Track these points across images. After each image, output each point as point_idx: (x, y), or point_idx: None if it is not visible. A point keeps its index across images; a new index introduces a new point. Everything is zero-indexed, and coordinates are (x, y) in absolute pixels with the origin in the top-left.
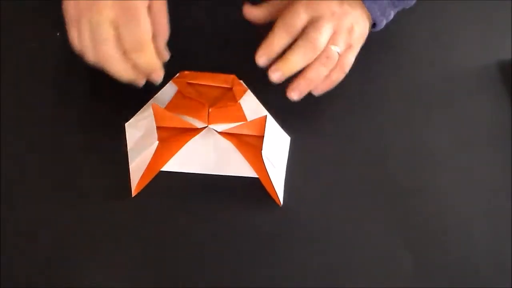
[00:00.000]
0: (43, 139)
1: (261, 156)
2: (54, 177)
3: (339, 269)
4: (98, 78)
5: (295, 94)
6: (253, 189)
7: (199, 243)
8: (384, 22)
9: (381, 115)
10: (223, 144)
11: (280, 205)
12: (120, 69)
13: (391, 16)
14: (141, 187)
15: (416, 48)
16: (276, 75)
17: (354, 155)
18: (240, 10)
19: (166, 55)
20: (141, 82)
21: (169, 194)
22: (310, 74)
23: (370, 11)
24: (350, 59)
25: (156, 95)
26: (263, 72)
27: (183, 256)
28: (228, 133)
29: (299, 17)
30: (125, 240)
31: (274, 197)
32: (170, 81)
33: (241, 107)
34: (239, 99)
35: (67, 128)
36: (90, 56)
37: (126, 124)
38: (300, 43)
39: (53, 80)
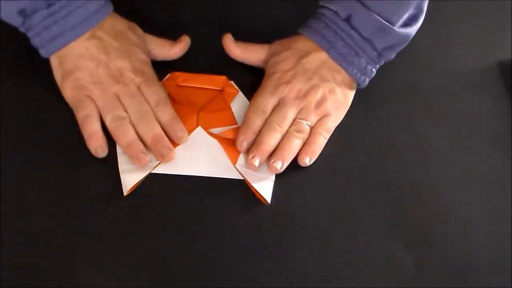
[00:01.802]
0: (43, 139)
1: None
2: (53, 177)
3: (339, 269)
4: None
5: (277, 164)
6: (245, 190)
7: (194, 243)
8: (367, 81)
9: (381, 115)
10: (213, 146)
11: (268, 204)
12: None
13: (374, 73)
14: (132, 189)
15: (416, 48)
16: (255, 161)
17: (353, 155)
18: (232, 11)
19: (182, 43)
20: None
21: (163, 195)
22: (286, 145)
23: (348, 73)
24: (327, 126)
25: None
26: (254, 72)
27: (178, 256)
28: (217, 135)
29: (268, 102)
30: (121, 240)
31: (261, 199)
32: (160, 83)
33: (231, 111)
34: (230, 102)
35: (66, 128)
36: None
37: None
38: (265, 128)
39: (53, 80)
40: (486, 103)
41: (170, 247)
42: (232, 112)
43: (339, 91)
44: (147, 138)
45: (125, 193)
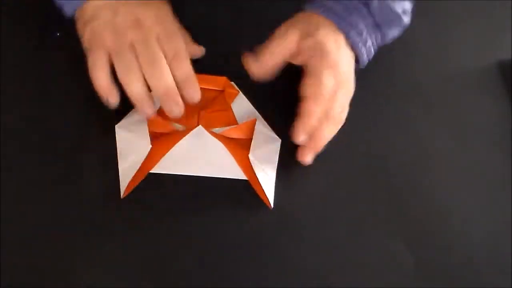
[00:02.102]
0: (42, 139)
1: (249, 159)
2: (52, 177)
3: (339, 269)
4: None
5: (309, 158)
6: (245, 190)
7: (194, 244)
8: (367, 61)
9: (380, 115)
10: (214, 146)
11: (271, 208)
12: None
13: (372, 55)
14: (131, 189)
15: (416, 48)
16: (310, 158)
17: (353, 155)
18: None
19: (201, 48)
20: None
21: (163, 195)
22: (322, 133)
23: (356, 50)
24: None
25: None
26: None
27: (178, 257)
28: (218, 135)
29: (330, 89)
30: (121, 241)
31: (264, 200)
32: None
33: (232, 112)
34: (231, 102)
35: (66, 128)
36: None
37: (117, 126)
38: (326, 118)
39: (53, 80)
40: (486, 103)
41: (171, 247)
42: (233, 113)
43: (353, 72)
44: (157, 88)
45: (122, 193)
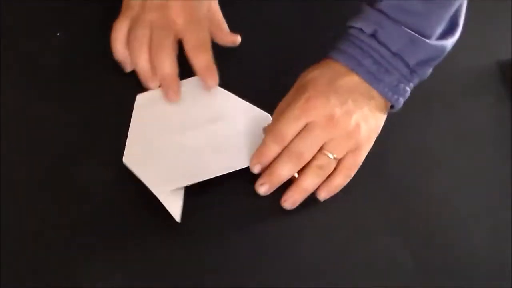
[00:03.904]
0: (43, 139)
1: None
2: (53, 177)
3: (339, 269)
4: (97, 79)
5: (288, 204)
6: (246, 190)
7: (197, 243)
8: (401, 101)
9: None
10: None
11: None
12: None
13: (408, 92)
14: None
15: None
16: (262, 189)
17: None
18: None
19: (236, 37)
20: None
21: None
22: (302, 183)
23: (379, 93)
24: (356, 162)
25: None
26: (251, 77)
27: (178, 257)
28: None
29: (291, 128)
30: (121, 241)
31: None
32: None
33: None
34: None
35: (66, 128)
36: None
37: (139, 96)
38: (284, 154)
39: (53, 80)
40: (486, 103)
41: (171, 247)
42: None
43: (372, 118)
44: (158, 71)
45: (178, 220)
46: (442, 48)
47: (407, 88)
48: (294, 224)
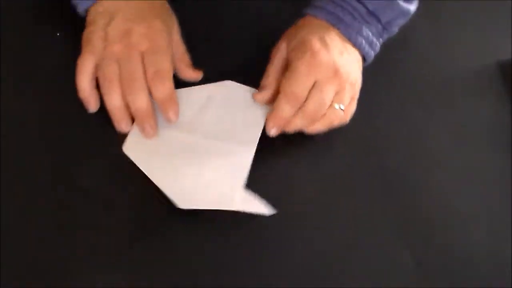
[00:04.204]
0: (43, 139)
1: None
2: (53, 177)
3: (339, 269)
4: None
5: (275, 131)
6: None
7: (197, 242)
8: (373, 54)
9: (381, 115)
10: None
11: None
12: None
13: (378, 47)
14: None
15: (416, 48)
16: (274, 131)
17: (353, 155)
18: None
19: (198, 74)
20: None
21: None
22: (310, 131)
23: (357, 47)
24: (353, 109)
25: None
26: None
27: (177, 257)
28: None
29: (304, 88)
30: (121, 241)
31: None
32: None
33: None
34: None
35: (66, 128)
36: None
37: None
38: (300, 116)
39: (53, 80)
40: (486, 103)
41: (171, 247)
42: None
43: (358, 69)
44: (131, 108)
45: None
46: (408, 11)
47: (378, 44)
48: (293, 224)
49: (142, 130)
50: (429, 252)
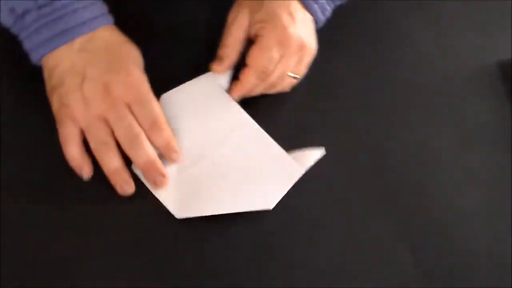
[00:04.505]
0: (43, 139)
1: None
2: (53, 177)
3: (339, 269)
4: None
5: (237, 98)
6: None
7: (197, 243)
8: (324, 20)
9: (381, 115)
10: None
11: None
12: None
13: (329, 14)
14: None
15: (416, 48)
16: (236, 98)
17: (354, 156)
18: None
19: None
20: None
21: None
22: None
23: (312, 12)
24: (304, 72)
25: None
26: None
27: (178, 257)
28: None
29: (273, 61)
30: (121, 241)
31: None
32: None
33: None
34: None
35: None
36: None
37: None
38: (262, 86)
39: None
40: (486, 103)
41: (171, 247)
42: None
43: (314, 35)
44: (138, 164)
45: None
46: None
47: (330, 9)
48: (293, 224)
49: (154, 182)
50: (429, 252)
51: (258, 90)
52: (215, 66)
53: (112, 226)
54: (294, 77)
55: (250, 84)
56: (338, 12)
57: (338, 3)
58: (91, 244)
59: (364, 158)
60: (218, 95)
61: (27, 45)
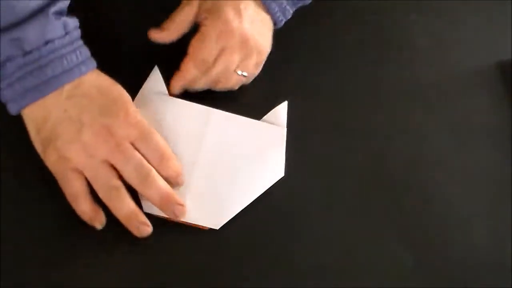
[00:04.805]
0: None
1: None
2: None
3: (339, 269)
4: None
5: (178, 90)
6: None
7: (197, 243)
8: (283, 20)
9: (381, 115)
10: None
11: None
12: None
13: (290, 14)
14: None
15: (416, 48)
16: (178, 91)
17: (354, 155)
18: None
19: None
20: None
21: None
22: (213, 89)
23: (271, 12)
24: (256, 73)
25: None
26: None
27: (176, 257)
28: None
29: (212, 53)
30: (121, 242)
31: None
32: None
33: None
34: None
35: None
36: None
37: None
38: (204, 81)
39: None
40: (486, 103)
41: (170, 247)
42: None
43: (269, 36)
44: (154, 200)
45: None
46: None
47: (291, 11)
48: (293, 224)
49: (173, 214)
50: (429, 252)
51: (201, 84)
52: (153, 32)
53: (112, 227)
54: (243, 76)
55: (190, 74)
56: (338, 12)
57: (300, 4)
58: (92, 245)
59: (363, 158)
60: (169, 102)
61: (7, 95)
